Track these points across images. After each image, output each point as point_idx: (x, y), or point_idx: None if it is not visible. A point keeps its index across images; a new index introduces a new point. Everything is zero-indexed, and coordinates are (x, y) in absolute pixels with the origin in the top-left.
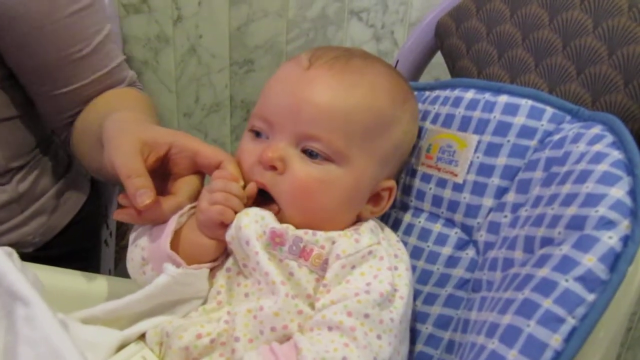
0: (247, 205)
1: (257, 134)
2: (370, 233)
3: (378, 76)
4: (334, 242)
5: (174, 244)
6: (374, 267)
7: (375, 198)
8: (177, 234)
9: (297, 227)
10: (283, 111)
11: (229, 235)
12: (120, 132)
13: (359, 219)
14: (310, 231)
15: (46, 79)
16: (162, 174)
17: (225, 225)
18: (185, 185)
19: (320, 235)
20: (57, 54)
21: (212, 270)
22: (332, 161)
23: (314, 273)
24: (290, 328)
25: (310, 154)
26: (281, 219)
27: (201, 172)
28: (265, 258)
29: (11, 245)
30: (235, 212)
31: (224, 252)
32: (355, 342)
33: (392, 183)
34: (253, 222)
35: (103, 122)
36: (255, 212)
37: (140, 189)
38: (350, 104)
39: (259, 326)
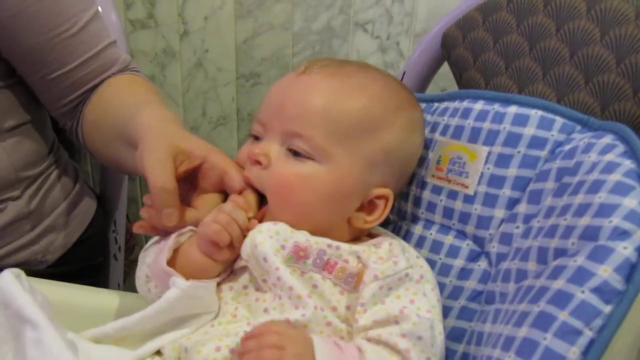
0: None
1: (256, 137)
2: (402, 254)
3: (370, 80)
4: (358, 257)
5: (173, 263)
6: (410, 290)
7: (369, 206)
8: (176, 251)
9: (291, 226)
10: (272, 112)
11: (245, 253)
12: (157, 133)
13: (354, 228)
14: (333, 244)
15: (40, 62)
16: (190, 181)
17: (218, 247)
18: (208, 202)
19: (344, 248)
20: (46, 35)
21: (224, 286)
22: (313, 159)
23: (337, 286)
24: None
25: (294, 153)
26: (270, 216)
27: (226, 191)
28: (287, 273)
29: (22, 264)
30: (232, 239)
31: (226, 271)
32: None
33: (386, 191)
34: (268, 238)
35: (130, 119)
36: (268, 227)
37: (167, 208)
38: (334, 102)
39: None
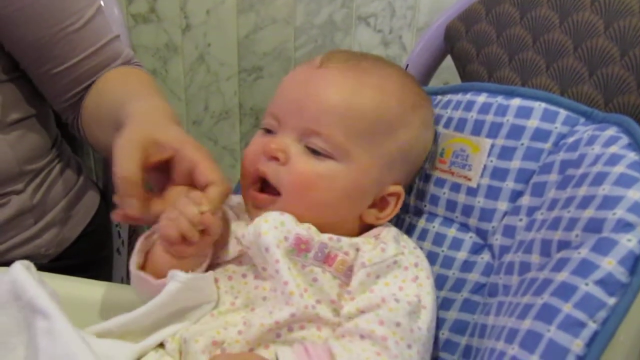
0: (249, 195)
1: (268, 131)
2: (394, 242)
3: (387, 78)
4: (357, 249)
5: (145, 265)
6: (399, 277)
7: (380, 203)
8: (149, 252)
9: (300, 219)
10: (289, 107)
11: (247, 241)
12: (135, 123)
13: (364, 223)
14: (334, 237)
15: (44, 57)
16: (167, 172)
17: (171, 243)
18: (175, 194)
19: (345, 241)
20: (51, 29)
21: (222, 275)
22: (332, 157)
23: (337, 279)
24: (307, 327)
25: (313, 151)
26: (281, 209)
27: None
28: (285, 267)
29: (25, 258)
30: (183, 235)
31: (201, 266)
32: (387, 351)
33: (399, 189)
34: (272, 229)
35: (121, 108)
36: (274, 217)
37: (127, 199)
38: (353, 101)
39: (276, 330)
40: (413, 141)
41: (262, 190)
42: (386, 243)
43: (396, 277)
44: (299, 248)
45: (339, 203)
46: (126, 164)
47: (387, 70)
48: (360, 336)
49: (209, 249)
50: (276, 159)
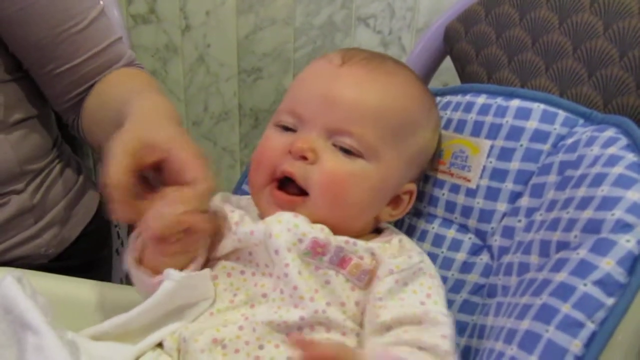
0: (266, 191)
1: (285, 128)
2: (414, 249)
3: (408, 81)
4: (372, 254)
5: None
6: (425, 285)
7: (395, 201)
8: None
9: (324, 219)
10: (315, 105)
11: (256, 238)
12: (129, 125)
13: (376, 221)
14: (350, 240)
15: (47, 57)
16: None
17: (151, 240)
18: (167, 195)
19: (360, 245)
20: (54, 30)
21: (220, 272)
22: (362, 157)
23: (349, 282)
24: (317, 329)
25: (340, 148)
26: (308, 209)
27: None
28: (295, 271)
29: (25, 257)
30: (159, 233)
31: (195, 261)
32: None
33: (413, 186)
34: (285, 231)
35: (123, 107)
36: (288, 218)
37: (115, 205)
38: (384, 102)
39: (285, 330)
40: (430, 142)
41: (280, 188)
42: (411, 250)
43: (422, 284)
44: (315, 251)
45: (366, 202)
46: (114, 170)
47: (407, 72)
48: (419, 347)
49: (200, 245)
50: (305, 158)
